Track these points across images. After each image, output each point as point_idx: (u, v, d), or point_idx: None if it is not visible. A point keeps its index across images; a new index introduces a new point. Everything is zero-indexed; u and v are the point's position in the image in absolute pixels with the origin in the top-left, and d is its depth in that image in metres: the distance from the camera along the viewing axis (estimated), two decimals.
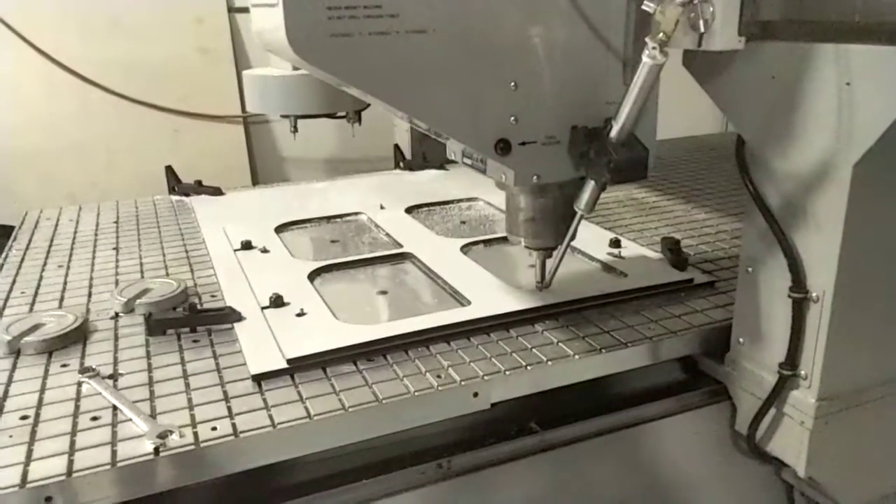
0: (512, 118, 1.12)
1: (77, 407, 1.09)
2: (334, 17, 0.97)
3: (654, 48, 0.99)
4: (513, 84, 1.10)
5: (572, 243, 1.75)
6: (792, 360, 1.15)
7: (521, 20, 1.08)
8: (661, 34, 0.99)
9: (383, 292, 1.54)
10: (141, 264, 1.71)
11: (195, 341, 1.29)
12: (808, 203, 1.07)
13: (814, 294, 1.09)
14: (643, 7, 1.01)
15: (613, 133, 1.10)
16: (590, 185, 1.17)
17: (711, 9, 1.00)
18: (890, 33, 0.92)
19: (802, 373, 1.15)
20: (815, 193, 1.06)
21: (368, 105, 2.15)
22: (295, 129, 2.29)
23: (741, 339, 1.27)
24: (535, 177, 1.17)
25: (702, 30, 1.02)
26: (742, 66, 1.10)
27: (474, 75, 1.08)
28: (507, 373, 1.18)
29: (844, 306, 1.08)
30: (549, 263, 1.34)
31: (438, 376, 1.16)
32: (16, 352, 1.26)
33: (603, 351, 1.25)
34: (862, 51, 0.95)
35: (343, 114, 2.33)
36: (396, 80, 1.04)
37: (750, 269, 1.21)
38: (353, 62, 1.00)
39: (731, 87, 1.13)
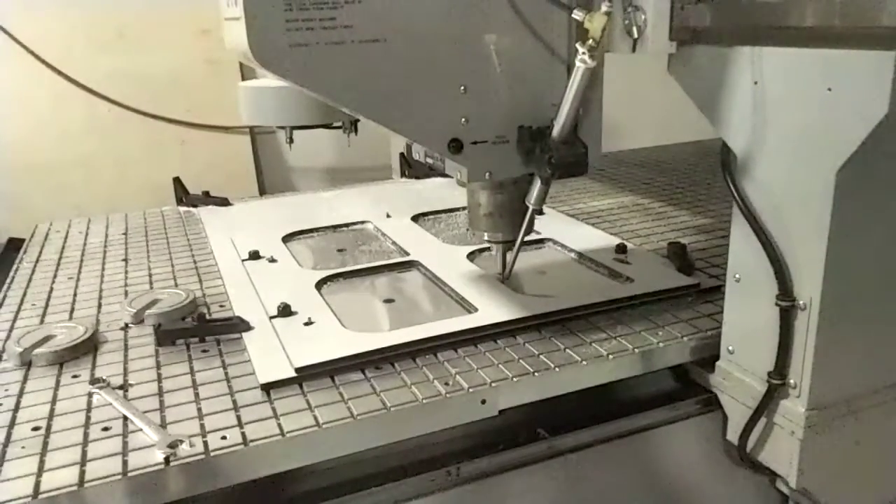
0: (463, 119, 1.19)
1: (88, 417, 1.10)
2: (292, 29, 1.03)
3: (584, 53, 1.07)
4: (462, 88, 1.18)
5: (578, 249, 1.76)
6: (780, 368, 1.13)
7: (468, 29, 1.16)
8: (590, 40, 1.06)
9: (390, 300, 1.54)
10: (150, 275, 1.72)
11: (204, 351, 1.30)
12: (793, 210, 1.06)
13: (801, 302, 1.08)
14: (573, 16, 1.09)
15: (555, 132, 1.19)
16: (537, 181, 1.27)
17: (643, 16, 1.08)
18: (869, 38, 0.90)
19: (791, 382, 1.13)
20: (799, 200, 1.05)
21: None
22: (291, 140, 2.30)
23: (730, 348, 1.25)
24: (487, 173, 1.24)
25: (635, 35, 1.09)
26: (722, 73, 1.10)
27: (426, 80, 1.15)
28: (515, 379, 1.18)
29: (832, 314, 1.06)
30: (510, 256, 1.44)
31: (446, 383, 1.16)
32: (27, 363, 1.28)
33: (611, 357, 1.25)
34: (842, 56, 0.93)
35: (339, 124, 2.33)
36: (354, 86, 1.11)
37: (737, 277, 1.20)
38: (312, 70, 1.07)
39: (713, 94, 1.13)
